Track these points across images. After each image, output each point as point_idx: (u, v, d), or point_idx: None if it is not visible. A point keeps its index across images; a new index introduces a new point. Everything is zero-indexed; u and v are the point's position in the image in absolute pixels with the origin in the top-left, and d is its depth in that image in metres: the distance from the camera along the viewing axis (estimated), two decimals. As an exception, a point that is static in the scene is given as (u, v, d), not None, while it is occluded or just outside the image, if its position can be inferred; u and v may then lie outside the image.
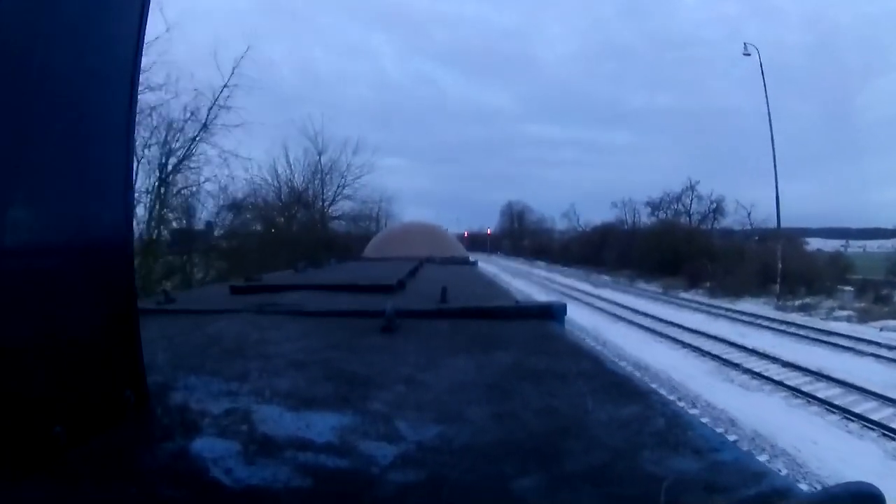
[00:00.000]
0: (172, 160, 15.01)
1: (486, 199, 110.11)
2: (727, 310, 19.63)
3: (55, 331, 0.67)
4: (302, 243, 18.45)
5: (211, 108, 15.16)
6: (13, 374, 0.61)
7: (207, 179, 15.37)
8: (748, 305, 21.09)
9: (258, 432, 0.75)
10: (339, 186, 26.51)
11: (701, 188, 38.71)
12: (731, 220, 35.73)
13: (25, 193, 0.63)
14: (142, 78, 0.86)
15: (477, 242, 73.20)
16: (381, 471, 0.64)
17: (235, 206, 17.56)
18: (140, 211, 13.51)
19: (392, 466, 0.65)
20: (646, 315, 18.05)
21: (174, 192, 15.24)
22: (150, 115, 13.65)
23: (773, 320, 17.38)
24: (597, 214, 61.18)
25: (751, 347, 13.02)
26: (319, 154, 25.91)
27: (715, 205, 37.76)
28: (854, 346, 13.08)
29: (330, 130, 29.60)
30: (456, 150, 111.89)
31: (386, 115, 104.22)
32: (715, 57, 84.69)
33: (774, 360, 11.89)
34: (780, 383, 10.24)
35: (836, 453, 7.03)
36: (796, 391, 9.71)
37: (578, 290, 25.91)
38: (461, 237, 51.94)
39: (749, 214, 33.92)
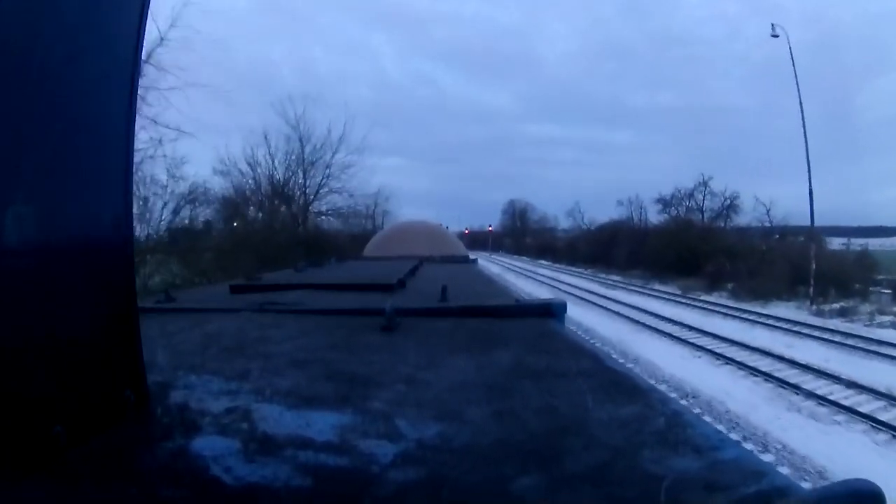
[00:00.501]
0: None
1: (486, 199, 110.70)
2: (759, 315, 17.68)
3: (55, 330, 0.67)
4: (274, 242, 16.42)
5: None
6: (13, 374, 0.61)
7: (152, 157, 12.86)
8: (780, 310, 19.16)
9: (258, 431, 0.74)
10: (323, 178, 23.42)
11: (714, 184, 36.75)
12: (747, 217, 33.71)
13: (25, 193, 0.63)
14: None
15: (478, 241, 71.99)
16: (381, 469, 0.64)
17: (192, 200, 15.41)
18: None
19: (392, 465, 0.64)
20: (671, 322, 16.10)
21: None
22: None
23: (814, 327, 15.51)
24: (600, 213, 60.43)
25: (803, 362, 11.26)
26: (301, 141, 22.62)
27: (729, 202, 35.76)
28: (916, 359, 11.30)
29: (314, 116, 25.99)
30: (456, 149, 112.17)
31: (386, 115, 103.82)
32: (716, 55, 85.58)
33: (835, 379, 10.16)
34: (853, 411, 8.51)
35: None
36: (875, 422, 8.01)
37: (590, 293, 23.92)
38: (461, 235, 50.72)
39: (768, 212, 31.87)
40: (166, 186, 14.06)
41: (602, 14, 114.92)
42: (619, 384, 0.95)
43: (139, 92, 0.84)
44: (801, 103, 21.58)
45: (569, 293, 23.60)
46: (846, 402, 8.85)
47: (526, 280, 30.03)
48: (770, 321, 16.64)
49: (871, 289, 21.56)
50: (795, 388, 9.73)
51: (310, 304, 1.80)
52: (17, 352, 0.61)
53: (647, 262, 32.48)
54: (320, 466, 0.65)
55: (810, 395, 9.32)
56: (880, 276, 22.94)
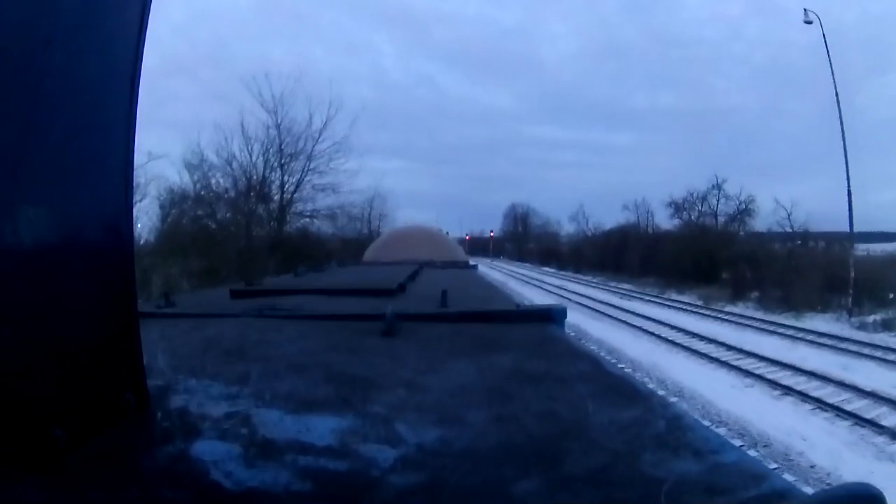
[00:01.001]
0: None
1: (487, 201, 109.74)
2: (796, 329, 15.87)
3: (55, 332, 0.67)
4: (244, 247, 14.36)
5: None
6: (13, 375, 0.61)
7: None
8: (817, 323, 17.39)
9: (258, 435, 0.74)
10: (303, 173, 19.56)
11: (728, 186, 34.97)
12: (766, 221, 31.84)
13: (25, 194, 0.63)
14: None
15: (478, 246, 70.65)
16: (381, 473, 0.64)
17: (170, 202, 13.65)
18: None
19: (392, 469, 0.65)
20: (703, 339, 14.28)
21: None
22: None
23: (862, 344, 13.73)
24: (604, 217, 58.84)
25: (868, 390, 9.53)
26: (278, 128, 19.00)
27: (745, 205, 33.98)
28: None
29: (295, 100, 21.04)
30: (457, 150, 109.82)
31: (386, 116, 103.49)
32: (717, 56, 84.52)
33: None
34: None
35: None
36: None
37: (605, 304, 22.07)
38: (462, 241, 49.36)
39: (789, 215, 30.01)
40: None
41: (604, 14, 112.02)
42: (619, 388, 0.95)
43: (139, 92, 0.83)
44: (836, 93, 19.85)
45: (582, 305, 21.74)
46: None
47: (533, 289, 28.19)
48: (810, 336, 14.87)
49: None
50: (876, 426, 7.97)
51: (310, 308, 1.80)
52: (18, 354, 0.61)
53: (660, 270, 30.69)
54: (320, 470, 0.65)
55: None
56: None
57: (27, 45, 0.61)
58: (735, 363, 11.73)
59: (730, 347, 13.16)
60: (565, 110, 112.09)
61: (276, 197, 19.30)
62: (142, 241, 12.66)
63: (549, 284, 32.26)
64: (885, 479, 6.30)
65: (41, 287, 0.65)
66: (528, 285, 31.22)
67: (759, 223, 32.20)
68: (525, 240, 70.78)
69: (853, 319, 17.70)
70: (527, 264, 57.01)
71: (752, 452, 6.57)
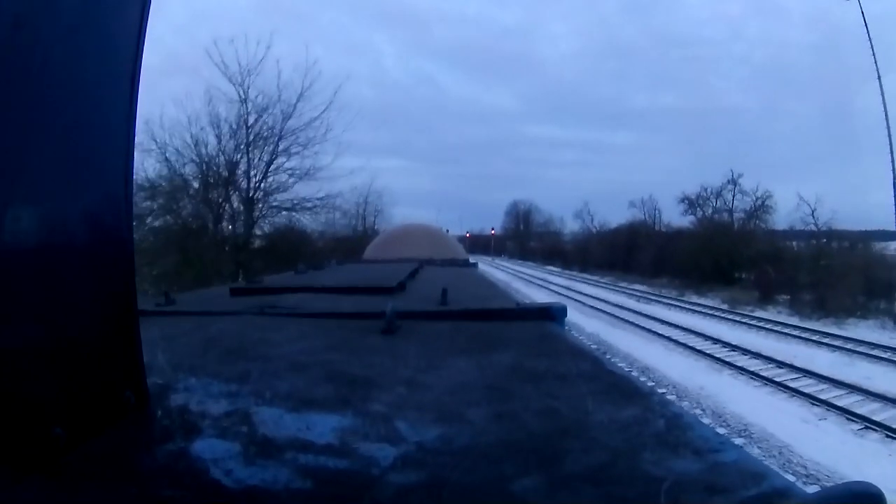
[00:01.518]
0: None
1: (487, 200, 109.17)
2: (845, 339, 13.97)
3: (55, 331, 0.67)
4: (203, 246, 12.20)
5: None
6: (13, 374, 0.61)
7: None
8: (862, 331, 15.49)
9: (258, 433, 0.74)
10: (272, 154, 15.95)
11: (744, 181, 33.06)
12: (785, 219, 29.93)
13: (25, 193, 0.63)
14: None
15: (479, 244, 68.96)
16: (381, 472, 0.64)
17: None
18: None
19: (392, 467, 0.65)
20: (748, 353, 12.40)
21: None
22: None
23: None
24: (607, 215, 57.22)
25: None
26: (244, 101, 15.40)
27: (761, 201, 32.07)
28: None
29: (265, 69, 16.56)
30: (457, 150, 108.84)
31: (387, 115, 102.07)
32: (718, 56, 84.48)
33: None
34: None
35: None
36: None
37: (622, 308, 20.18)
38: (462, 239, 47.69)
39: (813, 212, 28.06)
40: None
41: (604, 13, 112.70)
42: (619, 387, 0.94)
43: (139, 92, 0.84)
44: (879, 77, 17.93)
45: (598, 309, 19.84)
46: None
47: (540, 291, 26.29)
48: (861, 348, 13.00)
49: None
50: None
51: (310, 307, 1.78)
52: (18, 353, 0.61)
53: (674, 270, 28.82)
54: (320, 469, 0.65)
55: None
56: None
57: (27, 45, 0.62)
58: (793, 385, 9.87)
59: (780, 364, 11.30)
60: (565, 110, 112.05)
61: (242, 185, 16.22)
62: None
63: (556, 285, 30.34)
64: None
65: (41, 286, 0.65)
66: (533, 286, 29.34)
67: (778, 221, 30.43)
68: (527, 238, 68.93)
69: (903, 327, 15.86)
70: (529, 263, 55.08)
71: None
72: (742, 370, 11.04)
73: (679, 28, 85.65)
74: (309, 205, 16.69)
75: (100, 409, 0.72)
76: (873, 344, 13.30)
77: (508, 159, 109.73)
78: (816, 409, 8.70)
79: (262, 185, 16.36)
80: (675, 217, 36.76)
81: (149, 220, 13.53)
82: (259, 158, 16.23)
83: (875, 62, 18.33)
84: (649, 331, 15.43)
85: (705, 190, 34.52)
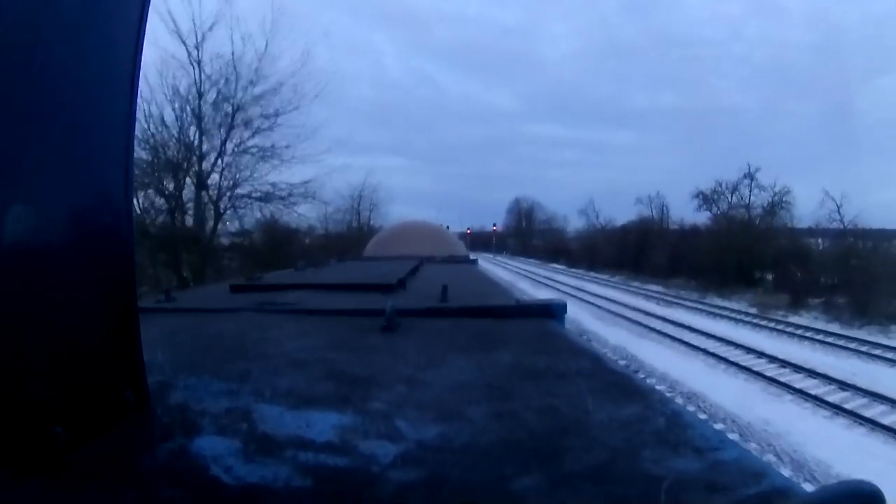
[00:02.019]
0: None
1: (488, 200, 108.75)
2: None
3: (55, 331, 0.67)
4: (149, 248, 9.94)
5: None
6: (13, 374, 0.61)
7: None
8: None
9: (258, 432, 0.75)
10: (228, 129, 12.54)
11: (762, 176, 31.30)
12: (807, 216, 28.18)
13: (25, 193, 0.63)
14: None
15: (480, 241, 67.41)
16: (381, 470, 0.64)
17: None
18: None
19: (392, 465, 0.65)
20: (798, 369, 10.76)
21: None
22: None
23: None
24: (610, 213, 55.62)
25: None
26: (198, 63, 12.69)
27: (779, 197, 30.34)
28: None
29: (222, 27, 14.20)
30: (457, 149, 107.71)
31: (387, 115, 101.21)
32: (718, 56, 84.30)
33: None
34: None
35: None
36: None
37: (641, 312, 18.47)
38: (463, 236, 46.23)
39: (839, 208, 26.32)
40: None
41: (604, 13, 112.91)
42: (620, 385, 0.94)
43: (139, 92, 0.83)
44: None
45: (617, 315, 18.12)
46: None
47: (548, 291, 24.53)
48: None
49: None
50: None
51: (310, 304, 1.78)
52: (17, 352, 0.62)
53: (690, 269, 27.12)
54: (320, 467, 0.65)
55: None
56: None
57: (27, 45, 0.62)
58: (868, 414, 8.23)
59: (843, 385, 9.67)
60: (566, 109, 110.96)
61: (189, 170, 12.89)
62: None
63: (565, 285, 28.64)
64: None
65: (41, 285, 0.65)
66: (540, 286, 27.64)
67: (795, 217, 28.75)
68: (529, 235, 67.26)
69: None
70: (532, 261, 53.42)
71: None
72: (804, 395, 9.33)
73: (679, 28, 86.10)
74: (282, 193, 13.76)
75: (100, 408, 0.72)
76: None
77: (509, 159, 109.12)
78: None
79: (221, 167, 13.10)
80: (685, 213, 35.21)
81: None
82: (218, 136, 13.02)
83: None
84: (680, 341, 13.71)
85: (720, 185, 32.85)
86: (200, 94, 12.81)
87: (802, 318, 17.37)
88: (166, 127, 12.57)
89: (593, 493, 0.58)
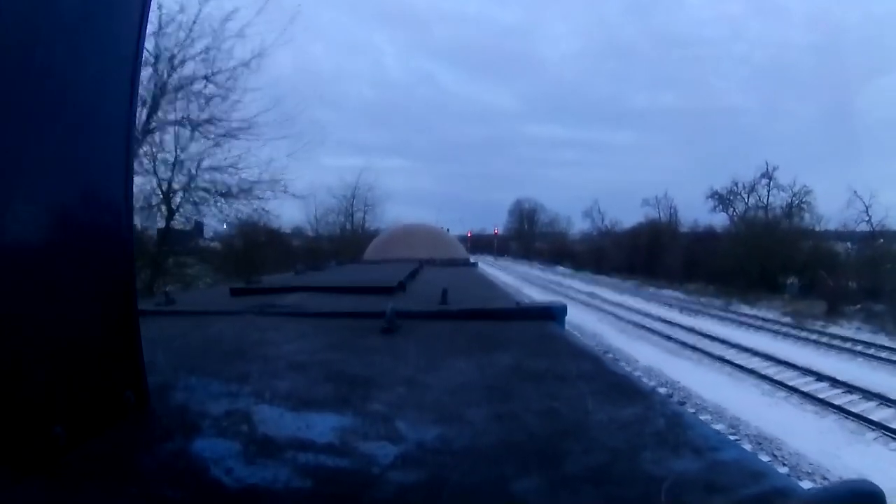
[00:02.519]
0: None
1: (488, 200, 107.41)
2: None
3: (55, 330, 0.67)
4: None
5: None
6: (13, 373, 0.61)
7: None
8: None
9: (258, 433, 0.75)
10: (157, 87, 9.88)
11: (780, 175, 29.77)
12: (834, 217, 26.59)
13: (25, 193, 0.64)
14: None
15: (481, 244, 65.81)
16: (381, 471, 0.64)
17: None
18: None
19: (392, 467, 0.65)
20: (867, 395, 9.20)
21: None
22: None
23: None
24: (613, 214, 54.79)
25: None
26: (158, 20, 9.79)
27: (799, 198, 28.79)
28: None
29: None
30: (457, 149, 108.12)
31: (387, 115, 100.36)
32: (718, 56, 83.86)
33: None
34: None
35: None
36: None
37: (666, 322, 16.85)
38: (463, 239, 44.68)
39: (867, 209, 24.73)
40: None
41: (605, 13, 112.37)
42: (620, 387, 0.94)
43: (139, 91, 0.82)
44: None
45: (636, 324, 16.49)
46: None
47: (559, 299, 22.95)
48: None
49: None
50: None
51: (310, 306, 1.77)
52: (17, 352, 0.62)
53: (708, 274, 25.52)
54: (320, 468, 0.65)
55: None
56: None
57: (27, 45, 0.62)
58: None
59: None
60: (566, 109, 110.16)
61: (166, 156, 10.25)
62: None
63: (576, 291, 27.03)
64: None
65: (41, 285, 0.65)
66: (549, 292, 26.02)
67: (815, 218, 27.17)
68: (531, 238, 65.70)
69: None
70: (535, 264, 51.82)
71: None
72: (886, 432, 7.71)
73: (679, 28, 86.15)
74: (245, 186, 11.13)
75: (100, 408, 0.72)
76: None
77: (509, 159, 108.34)
78: None
79: (175, 158, 10.52)
80: (694, 214, 33.87)
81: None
82: (174, 114, 10.14)
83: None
84: (721, 360, 12.08)
85: (736, 185, 31.30)
86: (156, 67, 10.04)
87: (844, 329, 15.77)
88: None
89: (593, 494, 0.58)
